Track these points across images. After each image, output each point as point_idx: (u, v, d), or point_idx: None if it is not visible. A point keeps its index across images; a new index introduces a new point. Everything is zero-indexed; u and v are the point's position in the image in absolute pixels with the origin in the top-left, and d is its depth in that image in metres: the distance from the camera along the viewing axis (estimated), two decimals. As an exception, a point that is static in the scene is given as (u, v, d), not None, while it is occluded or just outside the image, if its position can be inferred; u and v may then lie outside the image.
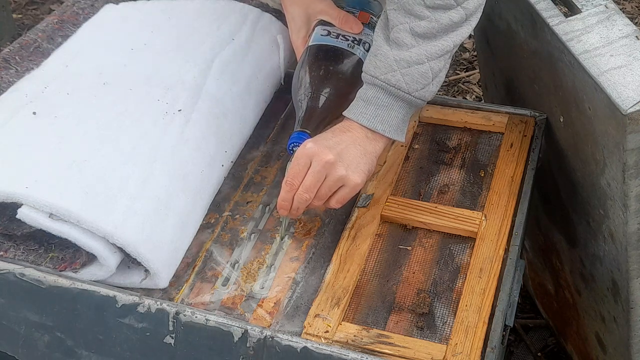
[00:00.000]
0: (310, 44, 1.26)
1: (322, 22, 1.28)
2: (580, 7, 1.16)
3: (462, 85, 2.41)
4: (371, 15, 1.30)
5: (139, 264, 1.02)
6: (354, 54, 1.24)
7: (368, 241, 1.11)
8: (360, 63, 1.21)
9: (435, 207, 1.16)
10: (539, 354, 1.67)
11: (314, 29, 1.28)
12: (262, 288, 1.06)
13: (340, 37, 1.25)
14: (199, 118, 1.18)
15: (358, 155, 1.08)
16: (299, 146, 1.10)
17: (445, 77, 2.36)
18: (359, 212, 1.16)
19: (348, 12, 1.28)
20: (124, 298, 1.00)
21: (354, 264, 1.08)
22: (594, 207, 1.23)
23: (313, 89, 1.20)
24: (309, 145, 1.07)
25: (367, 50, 1.24)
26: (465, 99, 2.35)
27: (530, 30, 1.25)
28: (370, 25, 1.28)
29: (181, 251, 1.09)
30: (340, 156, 1.06)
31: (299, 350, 0.95)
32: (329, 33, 1.26)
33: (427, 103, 1.19)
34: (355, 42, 1.25)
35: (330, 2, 1.29)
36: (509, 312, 1.05)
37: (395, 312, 1.03)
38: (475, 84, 2.40)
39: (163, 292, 1.05)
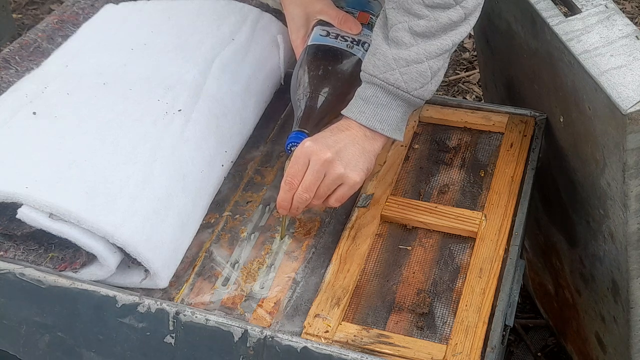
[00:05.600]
0: (309, 43, 1.26)
1: (321, 23, 1.28)
2: (580, 7, 1.16)
3: (462, 85, 2.41)
4: (371, 16, 1.30)
5: (139, 264, 1.02)
6: (353, 54, 1.24)
7: (368, 241, 1.11)
8: (359, 63, 1.21)
9: (435, 207, 1.16)
10: (539, 354, 1.67)
11: (312, 29, 1.28)
12: (262, 288, 1.06)
13: (339, 37, 1.25)
14: (199, 118, 1.18)
15: (357, 154, 1.08)
16: (297, 146, 1.10)
17: (445, 77, 2.37)
18: (359, 212, 1.16)
19: (347, 12, 1.28)
20: (124, 298, 1.00)
21: (354, 264, 1.08)
22: (594, 207, 1.23)
23: (311, 89, 1.20)
24: (307, 144, 1.07)
25: (367, 51, 1.23)
26: (465, 99, 2.35)
27: (530, 30, 1.25)
28: (370, 26, 1.28)
29: (181, 251, 1.09)
30: (338, 154, 1.06)
31: (299, 350, 0.95)
32: (328, 33, 1.26)
33: (427, 103, 1.19)
34: (355, 42, 1.25)
35: (329, 2, 1.29)
36: (509, 312, 1.05)
37: (395, 312, 1.03)
38: (475, 84, 2.40)
39: (163, 292, 1.05)
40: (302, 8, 1.28)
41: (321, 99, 1.19)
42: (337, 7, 1.29)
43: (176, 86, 1.21)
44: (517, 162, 1.23)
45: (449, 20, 1.06)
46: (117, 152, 1.10)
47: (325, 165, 1.06)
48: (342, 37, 1.25)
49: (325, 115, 1.19)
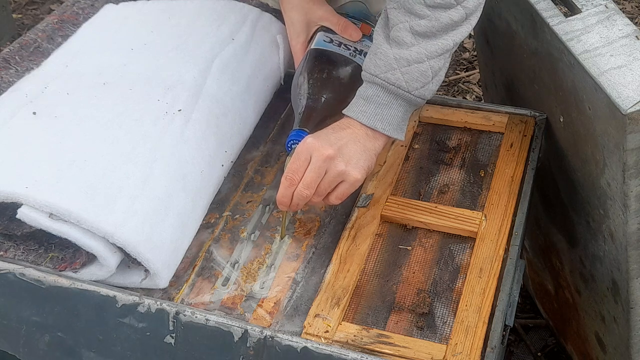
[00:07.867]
0: (312, 47, 1.26)
1: (324, 29, 1.28)
2: (580, 7, 1.16)
3: (462, 85, 2.41)
4: (372, 28, 1.29)
5: (139, 264, 1.02)
6: (355, 63, 1.24)
7: (368, 241, 1.11)
8: (360, 69, 1.21)
9: (435, 207, 1.16)
10: (539, 354, 1.67)
11: (315, 34, 1.28)
12: (262, 288, 1.06)
13: (342, 45, 1.25)
14: (199, 118, 1.18)
15: (358, 152, 1.08)
16: (297, 143, 1.10)
17: (445, 77, 2.37)
18: (359, 212, 1.16)
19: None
20: (124, 298, 1.00)
21: (354, 264, 1.08)
22: (594, 207, 1.23)
23: (313, 92, 1.19)
24: (309, 141, 1.07)
25: None
26: (465, 99, 2.35)
27: (530, 30, 1.25)
28: (372, 38, 1.28)
29: (181, 251, 1.09)
30: (340, 151, 1.06)
31: (299, 350, 0.95)
32: (332, 41, 1.25)
33: (427, 103, 1.19)
34: (357, 52, 1.25)
35: (330, 9, 1.29)
36: (509, 312, 1.05)
37: (395, 312, 1.03)
38: (475, 84, 2.40)
39: (163, 292, 1.05)
40: (302, 14, 1.28)
41: (322, 102, 1.19)
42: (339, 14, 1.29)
43: (176, 86, 1.21)
44: (517, 162, 1.23)
45: (450, 20, 1.06)
46: (117, 152, 1.10)
47: (327, 162, 1.06)
48: (345, 45, 1.25)
49: (325, 117, 1.18)
